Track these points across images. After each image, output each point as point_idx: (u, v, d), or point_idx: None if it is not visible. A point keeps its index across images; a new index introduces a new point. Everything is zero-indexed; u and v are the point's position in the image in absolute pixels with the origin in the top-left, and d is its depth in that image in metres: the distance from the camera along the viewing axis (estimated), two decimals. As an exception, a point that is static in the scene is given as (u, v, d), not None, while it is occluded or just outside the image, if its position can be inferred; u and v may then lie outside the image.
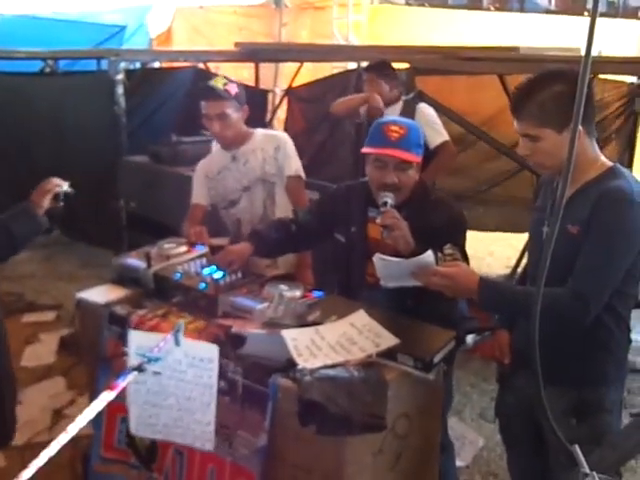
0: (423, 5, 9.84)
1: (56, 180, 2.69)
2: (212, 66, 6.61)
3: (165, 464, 2.20)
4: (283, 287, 2.30)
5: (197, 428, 1.87)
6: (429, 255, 1.94)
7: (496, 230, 5.89)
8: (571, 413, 1.97)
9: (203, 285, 2.34)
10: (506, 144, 4.20)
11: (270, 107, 7.10)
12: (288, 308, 2.14)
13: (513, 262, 5.36)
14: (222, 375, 1.89)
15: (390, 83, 4.04)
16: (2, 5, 8.39)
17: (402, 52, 4.63)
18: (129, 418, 1.92)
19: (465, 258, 2.19)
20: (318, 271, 3.00)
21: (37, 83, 6.24)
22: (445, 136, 3.96)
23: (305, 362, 1.87)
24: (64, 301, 4.93)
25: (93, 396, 2.47)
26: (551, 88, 1.84)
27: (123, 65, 5.20)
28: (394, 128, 2.24)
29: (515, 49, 4.01)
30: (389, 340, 1.96)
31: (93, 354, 2.43)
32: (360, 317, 2.11)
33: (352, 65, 6.20)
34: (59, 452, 1.21)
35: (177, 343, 1.55)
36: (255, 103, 4.77)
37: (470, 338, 4.15)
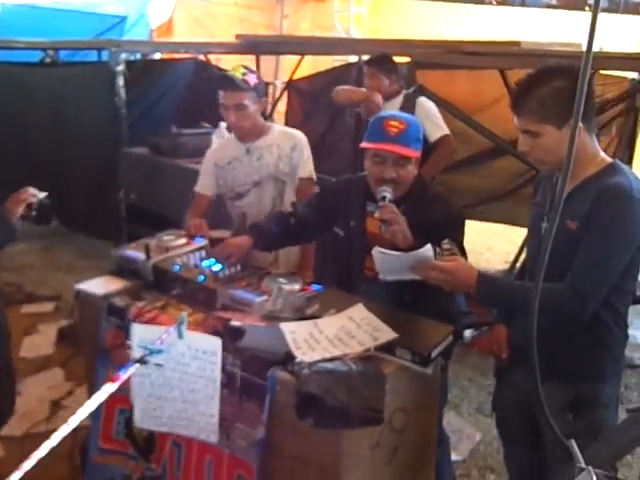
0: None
1: (32, 190, 2.77)
2: (213, 58, 6.60)
3: (163, 455, 2.21)
4: (282, 280, 2.31)
5: (201, 420, 1.88)
6: (428, 249, 1.94)
7: (496, 222, 5.90)
8: (568, 408, 1.98)
9: (202, 277, 2.35)
10: (506, 139, 4.19)
11: (270, 100, 7.10)
12: (287, 301, 2.14)
13: (512, 257, 5.37)
14: (221, 368, 1.90)
15: (390, 77, 4.03)
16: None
17: (403, 46, 4.62)
18: (133, 411, 1.93)
19: (463, 253, 2.19)
20: (317, 265, 3.01)
21: (37, 73, 6.23)
22: (445, 130, 3.96)
23: (303, 355, 1.88)
24: (63, 292, 4.93)
25: (92, 387, 2.48)
26: (551, 84, 1.84)
27: (124, 56, 5.19)
28: (393, 123, 2.24)
29: (516, 44, 4.00)
30: (387, 334, 1.97)
31: (92, 345, 2.43)
32: (358, 311, 2.11)
33: (353, 58, 6.18)
34: (58, 443, 1.21)
35: (180, 336, 1.55)
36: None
37: (468, 333, 4.16)
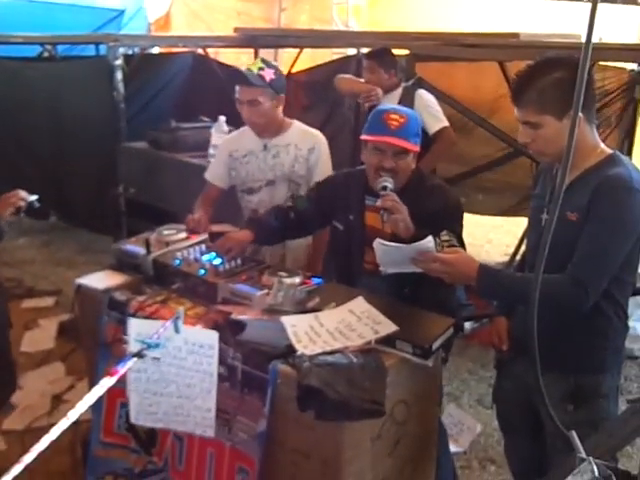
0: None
1: (22, 194, 2.79)
2: (211, 51, 6.58)
3: (165, 449, 2.22)
4: (282, 274, 2.31)
5: (198, 415, 1.88)
6: (429, 241, 1.94)
7: (494, 214, 5.90)
8: (568, 399, 1.99)
9: (202, 271, 2.35)
10: (506, 131, 4.19)
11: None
12: (287, 295, 2.14)
13: (511, 249, 5.37)
14: (222, 361, 1.91)
15: (389, 71, 4.03)
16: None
17: (402, 38, 4.61)
18: (129, 407, 1.93)
19: (462, 245, 2.20)
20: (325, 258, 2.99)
21: (35, 68, 6.21)
22: (444, 122, 3.95)
23: (304, 348, 1.88)
24: (63, 287, 4.94)
25: (93, 381, 2.49)
26: (551, 75, 1.84)
27: (122, 50, 5.17)
28: (394, 117, 2.24)
29: (515, 35, 3.99)
30: (388, 327, 1.97)
31: (92, 340, 2.44)
32: (359, 304, 2.12)
33: (352, 51, 6.16)
34: (59, 436, 1.21)
35: (177, 330, 1.55)
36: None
37: (468, 325, 4.17)
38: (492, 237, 6.66)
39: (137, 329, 1.67)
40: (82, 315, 2.57)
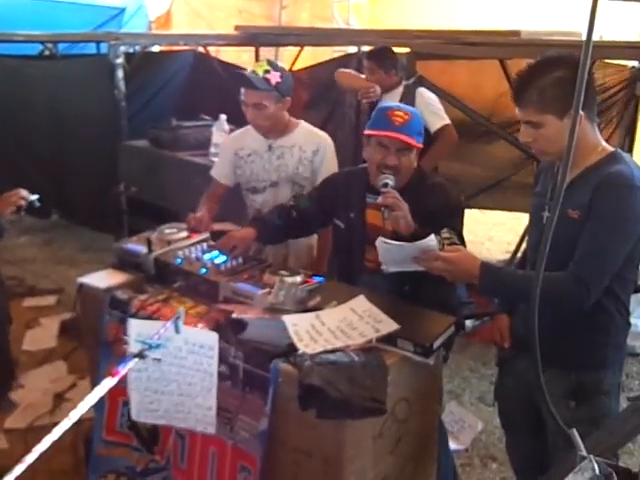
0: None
1: (23, 192, 2.81)
2: (212, 50, 6.57)
3: (167, 447, 2.22)
4: (284, 273, 2.31)
5: (199, 412, 1.89)
6: (432, 239, 1.94)
7: (495, 209, 5.91)
8: (570, 396, 2.00)
9: (204, 270, 2.35)
10: (507, 129, 4.19)
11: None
12: (289, 294, 2.15)
13: (512, 247, 5.37)
14: (223, 360, 1.91)
15: (389, 72, 4.04)
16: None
17: (403, 36, 4.61)
18: (130, 405, 1.94)
19: (462, 242, 2.20)
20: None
21: (36, 66, 6.21)
22: (446, 120, 3.95)
23: (306, 347, 1.88)
24: (65, 285, 4.94)
25: (94, 380, 2.50)
26: (552, 74, 1.84)
27: (123, 49, 5.16)
28: (399, 113, 2.26)
29: (516, 33, 3.98)
30: (389, 325, 1.97)
31: (94, 338, 2.44)
32: (360, 302, 2.12)
33: (353, 49, 6.16)
34: (61, 435, 1.22)
35: (177, 330, 1.56)
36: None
37: (469, 322, 4.17)
38: (493, 234, 6.66)
39: (137, 329, 1.68)
40: (84, 314, 2.58)
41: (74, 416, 1.15)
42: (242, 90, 2.72)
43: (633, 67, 4.31)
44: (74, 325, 3.77)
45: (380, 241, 2.00)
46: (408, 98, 3.82)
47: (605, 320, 1.97)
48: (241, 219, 2.87)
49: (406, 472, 2.10)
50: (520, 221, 5.66)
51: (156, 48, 6.81)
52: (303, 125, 2.91)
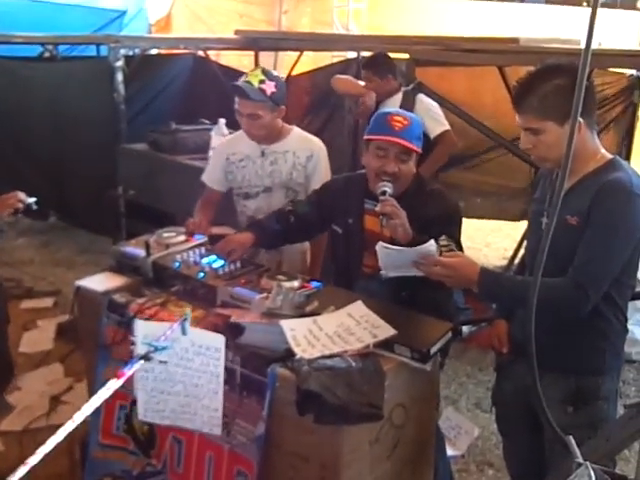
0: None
1: (21, 195, 2.81)
2: (212, 53, 6.58)
3: (163, 451, 2.22)
4: (281, 277, 2.31)
5: (205, 414, 1.90)
6: (431, 244, 1.95)
7: (492, 218, 5.92)
8: (568, 401, 2.01)
9: (202, 274, 2.35)
10: (505, 135, 4.20)
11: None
12: (286, 298, 2.15)
13: (510, 253, 5.38)
14: (224, 364, 1.91)
15: (385, 77, 4.07)
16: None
17: (402, 43, 4.62)
18: (137, 405, 1.95)
19: (460, 250, 2.21)
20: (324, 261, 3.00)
21: (36, 68, 6.22)
22: (446, 125, 3.97)
23: (303, 352, 1.89)
24: (62, 287, 4.94)
25: (92, 383, 2.49)
26: (552, 81, 1.85)
27: (123, 52, 5.17)
28: (398, 118, 2.26)
29: (515, 40, 4.00)
30: (386, 331, 1.98)
31: (92, 341, 2.44)
32: (358, 308, 2.12)
33: (352, 54, 6.18)
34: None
35: (184, 332, 1.56)
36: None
37: (466, 328, 4.17)
38: (490, 241, 6.67)
39: (144, 331, 1.68)
40: (81, 317, 2.58)
41: (78, 418, 1.15)
42: (236, 99, 2.71)
43: (631, 75, 4.34)
44: (71, 327, 3.77)
45: (380, 246, 2.01)
46: (407, 104, 3.83)
47: (603, 326, 1.98)
48: (236, 224, 2.87)
49: (403, 477, 2.10)
50: (517, 227, 5.66)
51: (154, 51, 6.81)
52: (296, 131, 2.91)
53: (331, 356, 1.88)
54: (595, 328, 1.98)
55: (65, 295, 4.74)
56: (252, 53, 6.38)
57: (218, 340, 1.80)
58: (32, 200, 2.81)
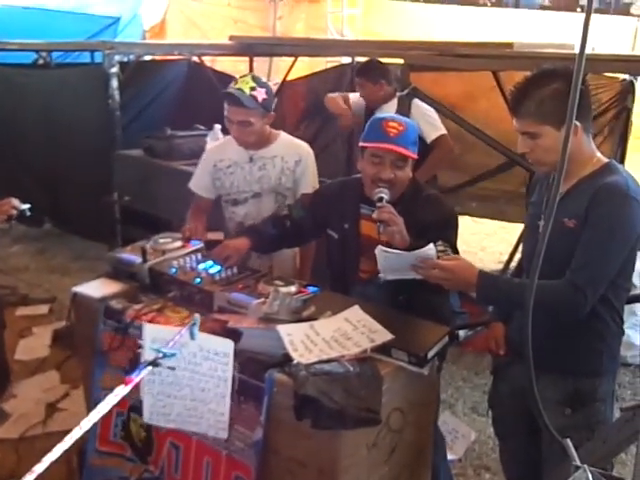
0: (417, 1, 9.84)
1: (14, 202, 2.82)
2: (208, 59, 6.59)
3: (161, 457, 2.22)
4: (278, 282, 2.32)
5: (211, 417, 1.90)
6: (430, 248, 1.96)
7: (485, 217, 5.93)
8: (566, 402, 2.02)
9: (198, 280, 2.35)
10: (500, 139, 4.22)
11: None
12: (283, 304, 2.15)
13: (505, 257, 5.38)
14: (232, 368, 1.91)
15: (378, 82, 4.10)
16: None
17: (396, 48, 4.63)
18: (143, 408, 1.95)
19: (456, 254, 2.21)
20: (313, 267, 3.00)
21: (30, 75, 6.21)
22: (442, 130, 3.99)
23: (300, 357, 1.89)
24: (57, 294, 4.93)
25: (88, 389, 2.49)
26: (549, 86, 1.87)
27: (117, 58, 5.17)
28: (393, 124, 2.26)
29: (509, 45, 4.02)
30: (383, 335, 1.98)
31: (88, 348, 2.44)
32: (355, 313, 2.13)
33: (347, 59, 6.20)
34: (54, 446, 1.21)
35: (192, 337, 1.55)
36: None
37: (462, 332, 4.18)
38: (486, 245, 6.68)
39: (152, 335, 1.68)
40: (78, 323, 2.57)
41: (85, 425, 1.14)
42: (226, 107, 2.70)
43: (624, 80, 4.36)
44: (67, 334, 3.76)
45: (380, 249, 2.01)
46: (403, 109, 3.85)
47: (600, 328, 2.00)
48: (228, 231, 2.87)
49: (400, 482, 2.10)
50: (512, 231, 5.68)
51: (149, 57, 6.82)
52: (283, 136, 2.91)
53: (328, 361, 1.88)
54: (592, 330, 1.99)
55: (60, 302, 4.73)
56: (247, 58, 6.40)
57: (227, 345, 1.81)
58: (26, 206, 2.81)
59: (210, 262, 2.46)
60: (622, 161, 4.30)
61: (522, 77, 1.95)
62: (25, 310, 4.75)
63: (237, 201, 2.90)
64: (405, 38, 6.07)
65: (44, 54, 6.54)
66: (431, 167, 3.92)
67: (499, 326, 2.30)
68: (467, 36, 7.40)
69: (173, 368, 1.65)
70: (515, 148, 2.06)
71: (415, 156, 2.32)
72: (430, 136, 3.89)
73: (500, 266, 5.42)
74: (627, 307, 2.17)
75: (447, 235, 2.24)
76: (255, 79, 2.73)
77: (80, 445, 2.53)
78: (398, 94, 4.07)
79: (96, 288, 2.47)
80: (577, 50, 1.25)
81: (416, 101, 3.96)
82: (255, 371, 1.93)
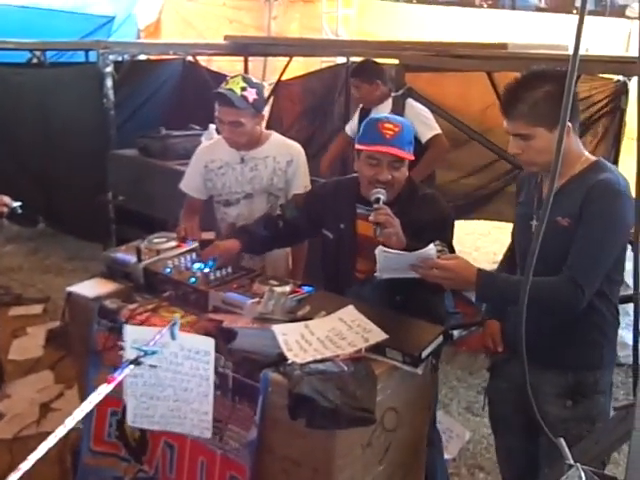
0: (410, 2, 9.86)
1: (5, 199, 2.81)
2: (204, 58, 6.58)
3: (155, 457, 2.22)
4: (273, 282, 2.32)
5: (195, 417, 1.90)
6: (431, 248, 1.97)
7: (484, 219, 5.95)
8: (568, 395, 2.05)
9: (193, 280, 2.35)
10: (495, 140, 4.23)
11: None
12: (278, 303, 2.15)
13: (499, 257, 5.37)
14: (213, 369, 1.91)
15: (374, 82, 4.12)
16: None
17: (391, 48, 4.64)
18: (126, 410, 1.94)
19: (452, 253, 2.22)
20: (306, 267, 3.00)
21: (24, 74, 6.19)
22: (436, 129, 4.00)
23: (295, 357, 1.89)
24: (51, 294, 4.92)
25: (83, 389, 2.48)
26: (541, 88, 1.90)
27: (112, 57, 5.16)
28: (388, 126, 2.25)
29: (504, 46, 4.03)
30: (378, 335, 1.99)
31: (82, 348, 2.43)
32: (349, 312, 2.13)
33: (342, 59, 6.21)
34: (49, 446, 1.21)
35: (173, 337, 1.56)
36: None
37: (456, 332, 4.19)
38: (480, 245, 6.70)
39: (133, 336, 1.68)
40: (72, 323, 2.57)
41: (69, 423, 1.15)
42: (217, 107, 2.69)
43: (618, 81, 4.38)
44: (61, 334, 3.76)
45: (380, 250, 2.01)
46: (397, 110, 3.85)
47: (599, 321, 2.04)
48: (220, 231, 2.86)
49: (395, 481, 2.11)
50: (506, 231, 5.66)
51: (144, 57, 6.80)
52: (275, 136, 2.91)
53: (323, 360, 1.89)
54: (591, 324, 2.03)
55: (54, 302, 4.72)
56: (241, 58, 6.40)
57: (207, 343, 1.81)
58: (17, 204, 2.79)
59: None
60: (616, 161, 4.32)
61: (513, 79, 1.98)
62: (19, 310, 4.74)
63: (229, 202, 2.89)
64: (399, 38, 6.07)
65: (38, 53, 6.52)
66: (426, 166, 3.93)
67: (494, 324, 2.32)
68: (464, 37, 7.40)
69: (155, 366, 1.66)
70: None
71: (412, 157, 2.32)
72: (425, 136, 3.90)
73: (494, 266, 5.35)
74: (620, 307, 2.19)
75: (444, 234, 2.25)
76: (246, 79, 2.72)
77: (74, 445, 2.53)
78: (393, 94, 4.08)
79: (90, 288, 2.47)
80: (571, 51, 1.26)
81: (410, 101, 3.97)
82: (250, 371, 1.93)
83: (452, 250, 2.24)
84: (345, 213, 2.44)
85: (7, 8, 8.18)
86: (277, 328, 2.01)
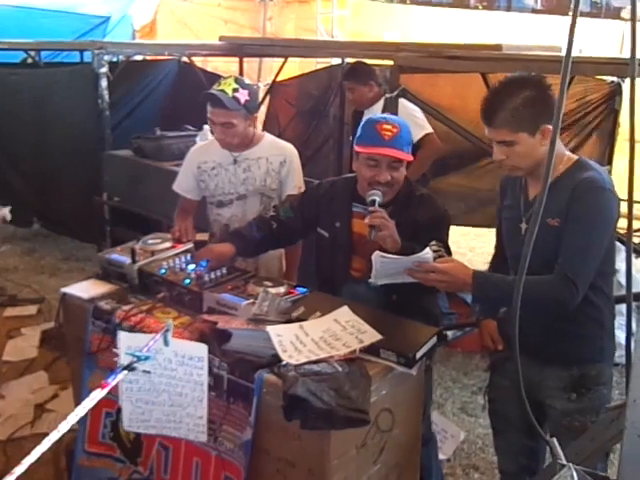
0: (404, 2, 9.88)
1: None
2: (199, 59, 6.58)
3: (150, 458, 2.22)
4: (267, 283, 2.32)
5: (190, 421, 1.90)
6: (427, 252, 1.97)
7: (478, 226, 5.95)
8: (571, 389, 2.09)
9: (188, 281, 2.35)
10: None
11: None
12: (273, 304, 2.15)
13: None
14: (208, 371, 1.91)
15: (367, 83, 4.14)
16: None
17: (386, 49, 4.65)
18: (122, 415, 1.94)
19: (449, 253, 2.23)
20: (301, 267, 3.00)
21: (19, 74, 6.18)
22: (428, 128, 4.02)
23: (290, 358, 1.89)
24: (46, 295, 4.91)
25: (78, 390, 2.48)
26: (522, 94, 1.93)
27: (107, 58, 5.15)
28: (387, 127, 2.24)
29: (498, 47, 4.04)
30: (372, 336, 1.99)
31: (77, 349, 2.43)
32: (344, 313, 2.13)
33: (337, 60, 6.21)
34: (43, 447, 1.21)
35: (166, 343, 1.56)
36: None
37: (450, 333, 4.19)
38: (475, 246, 6.71)
39: (127, 342, 1.68)
40: (67, 324, 2.56)
41: (63, 428, 1.14)
42: (209, 108, 2.68)
43: (612, 82, 4.40)
44: (55, 335, 3.75)
45: (377, 255, 2.01)
46: (390, 110, 3.86)
47: (597, 314, 2.07)
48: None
49: (389, 482, 2.11)
50: (502, 232, 5.69)
51: (139, 57, 6.79)
52: (268, 137, 2.91)
53: (317, 361, 1.89)
54: (590, 318, 2.06)
55: (49, 302, 4.71)
56: (238, 59, 6.40)
57: (201, 350, 1.81)
58: (6, 209, 2.78)
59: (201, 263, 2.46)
60: (610, 162, 4.34)
61: (491, 88, 2.01)
62: (13, 311, 4.72)
63: (222, 203, 2.89)
64: (395, 40, 6.09)
65: (33, 53, 6.51)
66: (419, 166, 3.93)
67: (491, 323, 2.34)
68: (459, 38, 7.42)
69: (149, 372, 1.66)
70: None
71: (411, 157, 2.31)
72: (417, 135, 3.90)
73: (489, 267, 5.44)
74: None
75: (440, 234, 2.26)
76: (238, 81, 2.71)
77: (68, 447, 2.53)
78: (387, 95, 4.08)
79: (85, 289, 2.47)
80: (564, 52, 1.27)
81: (402, 101, 3.97)
82: (244, 372, 1.93)
83: (448, 250, 2.25)
84: (341, 211, 2.43)
85: (2, 8, 8.16)
86: (272, 329, 2.01)
